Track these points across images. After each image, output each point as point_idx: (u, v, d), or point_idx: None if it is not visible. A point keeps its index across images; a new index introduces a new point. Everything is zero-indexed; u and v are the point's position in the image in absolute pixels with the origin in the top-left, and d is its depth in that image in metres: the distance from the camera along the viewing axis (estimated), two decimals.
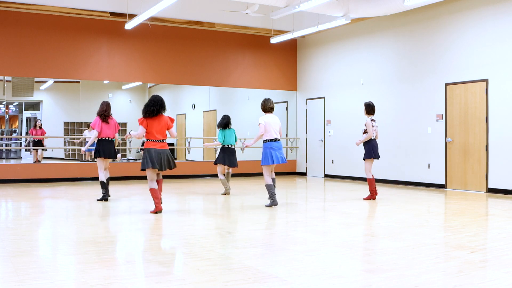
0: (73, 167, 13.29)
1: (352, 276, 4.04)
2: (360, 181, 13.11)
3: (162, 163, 7.24)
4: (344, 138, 13.85)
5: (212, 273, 4.11)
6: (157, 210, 7.29)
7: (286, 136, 15.72)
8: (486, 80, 10.28)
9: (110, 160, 8.91)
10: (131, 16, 12.00)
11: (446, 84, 11.11)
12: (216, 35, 14.50)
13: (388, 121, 12.34)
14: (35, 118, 14.64)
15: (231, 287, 3.72)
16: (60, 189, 11.02)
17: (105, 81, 14.06)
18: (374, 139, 9.15)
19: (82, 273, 4.10)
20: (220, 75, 14.68)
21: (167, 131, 7.46)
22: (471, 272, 4.18)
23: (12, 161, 14.44)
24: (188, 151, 16.02)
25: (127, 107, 15.67)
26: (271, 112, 8.13)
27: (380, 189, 11.04)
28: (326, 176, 14.52)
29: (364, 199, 9.16)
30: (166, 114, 7.56)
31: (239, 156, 10.76)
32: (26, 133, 14.89)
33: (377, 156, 9.11)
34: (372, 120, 9.12)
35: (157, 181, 7.43)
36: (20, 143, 15.44)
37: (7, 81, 13.32)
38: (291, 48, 15.65)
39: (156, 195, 7.33)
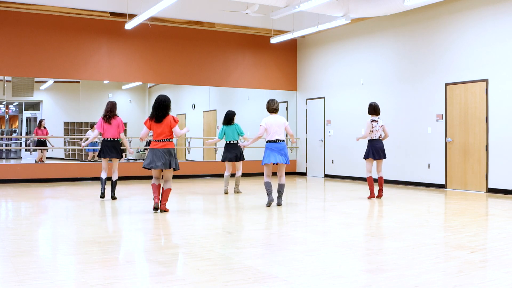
0: (73, 167, 13.29)
1: (352, 276, 4.04)
2: (360, 181, 13.11)
3: (154, 162, 7.30)
4: (344, 138, 13.85)
5: (212, 273, 4.11)
6: (153, 205, 7.44)
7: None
8: (486, 80, 10.28)
9: (116, 160, 8.91)
10: (131, 16, 12.00)
11: (446, 84, 11.11)
12: (216, 35, 14.50)
13: (388, 121, 12.32)
14: (38, 118, 14.65)
15: (231, 287, 3.72)
16: (60, 189, 11.02)
17: (105, 81, 14.06)
18: (376, 140, 9.19)
19: (82, 273, 4.11)
20: (220, 75, 14.68)
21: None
22: (471, 272, 4.18)
23: (12, 161, 14.44)
24: (188, 151, 16.02)
25: (127, 107, 15.66)
26: (275, 113, 8.17)
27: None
28: (326, 176, 14.53)
29: (368, 198, 9.26)
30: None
31: None
32: (28, 133, 14.89)
33: (375, 157, 9.16)
34: (373, 120, 9.16)
35: (163, 188, 7.49)
36: (20, 143, 15.44)
37: (7, 81, 13.32)
38: (291, 48, 15.65)
39: (153, 190, 7.44)
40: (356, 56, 13.56)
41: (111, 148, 8.76)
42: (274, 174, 8.35)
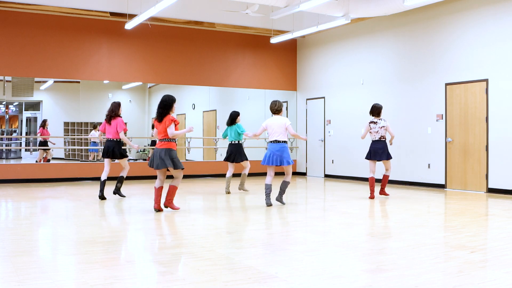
0: (73, 167, 13.29)
1: (352, 276, 4.04)
2: (360, 181, 13.11)
3: (151, 161, 7.46)
4: (344, 138, 13.85)
5: (212, 273, 4.11)
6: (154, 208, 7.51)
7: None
8: (486, 80, 10.28)
9: (122, 160, 8.99)
10: (131, 16, 12.00)
11: (446, 84, 11.11)
12: (216, 35, 14.50)
13: (388, 121, 12.32)
14: (38, 118, 14.66)
15: (231, 287, 3.72)
16: (60, 189, 11.02)
17: (105, 81, 14.06)
18: (376, 141, 9.27)
19: (82, 273, 4.11)
20: (220, 75, 14.67)
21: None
22: (471, 272, 4.18)
23: (12, 161, 14.44)
24: (188, 151, 16.02)
25: (127, 107, 15.64)
26: (277, 114, 8.24)
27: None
28: (326, 176, 14.52)
29: (369, 198, 9.34)
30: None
31: None
32: (28, 133, 14.89)
33: (371, 157, 9.30)
34: (371, 122, 9.29)
35: (169, 186, 7.55)
36: (20, 143, 15.43)
37: (7, 81, 13.32)
38: (291, 48, 15.65)
39: (155, 193, 7.48)
40: (356, 56, 13.56)
41: (109, 148, 8.81)
42: (283, 173, 8.39)
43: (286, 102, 15.99)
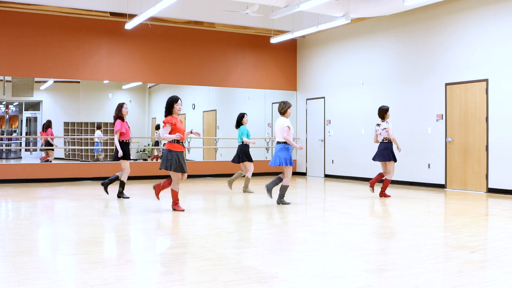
0: (73, 167, 13.29)
1: (352, 276, 4.04)
2: (360, 181, 13.12)
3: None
4: (344, 138, 13.85)
5: (212, 273, 4.11)
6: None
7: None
8: (486, 80, 10.28)
9: (121, 161, 9.10)
10: (131, 16, 12.00)
11: (446, 84, 11.11)
12: (216, 35, 14.50)
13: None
14: (38, 118, 14.67)
15: (231, 287, 3.72)
16: (60, 189, 11.02)
17: (105, 81, 14.06)
18: (381, 142, 9.47)
19: (82, 273, 4.10)
20: (220, 75, 14.67)
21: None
22: (471, 272, 4.18)
23: (12, 161, 14.44)
24: (188, 151, 16.01)
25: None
26: (282, 115, 8.34)
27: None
28: (326, 176, 14.52)
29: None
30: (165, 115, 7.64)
31: None
32: (28, 133, 14.89)
33: (373, 158, 9.56)
34: (377, 124, 9.57)
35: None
36: (20, 143, 15.44)
37: (7, 81, 13.32)
38: (291, 48, 15.65)
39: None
40: (356, 56, 13.55)
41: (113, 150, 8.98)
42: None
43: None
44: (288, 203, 8.36)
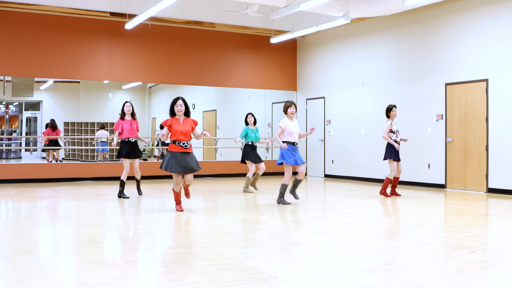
0: (73, 167, 13.29)
1: (352, 276, 4.04)
2: (360, 181, 13.12)
3: None
4: (344, 138, 13.85)
5: (212, 273, 4.11)
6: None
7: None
8: (486, 80, 10.28)
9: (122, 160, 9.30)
10: (131, 16, 12.00)
11: (446, 84, 11.11)
12: (216, 35, 14.50)
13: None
14: (38, 118, 14.68)
15: (231, 287, 3.72)
16: (60, 189, 11.02)
17: (105, 81, 14.06)
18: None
19: (82, 273, 4.10)
20: (220, 75, 14.67)
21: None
22: (471, 272, 4.18)
23: (12, 161, 14.44)
24: None
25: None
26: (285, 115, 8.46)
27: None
28: (326, 176, 14.52)
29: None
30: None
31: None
32: (28, 133, 14.89)
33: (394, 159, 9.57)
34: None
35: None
36: (20, 143, 15.44)
37: (7, 81, 13.32)
38: (291, 48, 15.64)
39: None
40: (356, 56, 13.55)
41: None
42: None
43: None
44: (289, 203, 8.36)
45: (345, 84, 13.91)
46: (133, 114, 9.36)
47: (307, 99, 15.34)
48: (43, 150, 14.22)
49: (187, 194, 7.91)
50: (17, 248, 5.08)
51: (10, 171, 12.31)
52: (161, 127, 14.86)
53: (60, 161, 13.81)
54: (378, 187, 10.96)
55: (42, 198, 9.73)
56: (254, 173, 10.32)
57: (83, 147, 14.55)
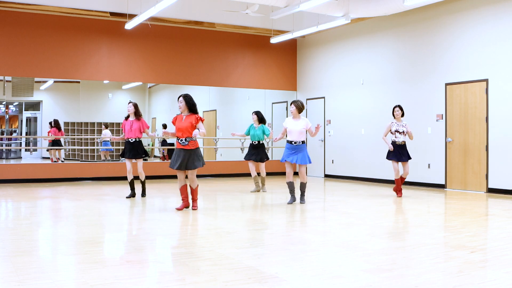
0: (73, 167, 13.29)
1: (352, 276, 4.04)
2: (360, 181, 13.12)
3: None
4: (344, 138, 13.85)
5: (212, 273, 4.11)
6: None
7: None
8: (486, 80, 10.28)
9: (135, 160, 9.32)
10: (131, 16, 12.00)
11: (446, 84, 11.11)
12: (216, 35, 14.50)
13: (388, 121, 12.31)
14: (38, 118, 14.68)
15: (231, 287, 3.72)
16: (60, 189, 11.02)
17: (105, 81, 14.06)
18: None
19: (82, 273, 4.11)
20: (220, 75, 14.67)
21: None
22: (471, 272, 4.18)
23: (12, 161, 14.44)
24: None
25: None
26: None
27: (380, 188, 11.06)
28: (326, 176, 14.52)
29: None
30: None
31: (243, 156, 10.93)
32: (28, 133, 14.89)
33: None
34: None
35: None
36: (20, 143, 15.44)
37: (7, 81, 13.32)
38: (291, 48, 15.64)
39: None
40: (356, 56, 13.55)
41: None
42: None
43: (286, 102, 15.99)
44: (289, 203, 8.38)
45: (345, 84, 13.91)
46: (136, 114, 9.32)
47: (307, 99, 15.34)
48: (47, 150, 14.21)
49: (194, 202, 7.68)
50: (17, 248, 5.08)
51: (10, 171, 12.31)
52: (164, 126, 14.88)
53: (62, 161, 13.83)
54: (378, 187, 10.97)
55: (42, 198, 9.73)
56: (258, 173, 10.41)
57: (83, 147, 14.55)
